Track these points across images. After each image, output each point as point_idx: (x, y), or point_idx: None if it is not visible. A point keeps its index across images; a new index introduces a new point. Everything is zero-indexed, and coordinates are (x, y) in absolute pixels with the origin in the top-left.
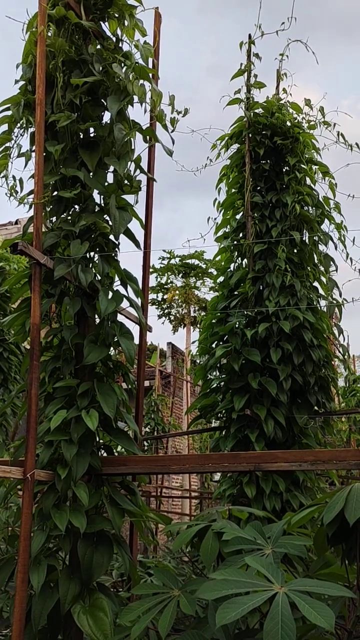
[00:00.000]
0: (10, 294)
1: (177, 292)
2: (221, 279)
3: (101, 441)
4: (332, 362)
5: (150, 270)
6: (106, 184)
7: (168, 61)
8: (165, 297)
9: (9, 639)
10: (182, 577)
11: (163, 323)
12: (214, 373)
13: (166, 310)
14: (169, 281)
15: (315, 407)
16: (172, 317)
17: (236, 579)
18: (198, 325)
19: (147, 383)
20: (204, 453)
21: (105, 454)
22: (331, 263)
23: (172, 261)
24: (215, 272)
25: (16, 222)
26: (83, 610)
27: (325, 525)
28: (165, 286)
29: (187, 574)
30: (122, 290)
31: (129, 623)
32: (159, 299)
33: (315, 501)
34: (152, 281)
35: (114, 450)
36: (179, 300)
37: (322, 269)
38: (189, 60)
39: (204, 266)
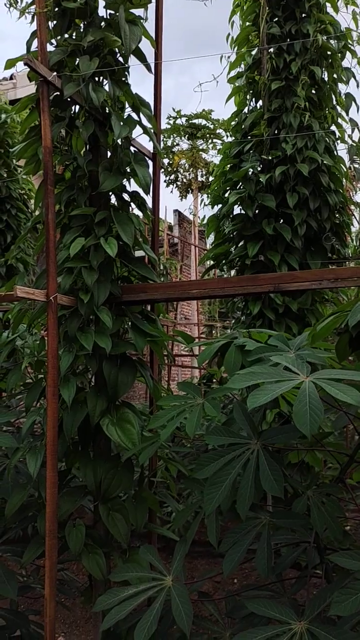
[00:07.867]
0: (12, 143)
1: (184, 155)
2: (234, 123)
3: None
4: (347, 209)
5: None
6: None
7: None
8: (171, 161)
9: None
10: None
11: (172, 191)
12: (227, 223)
13: (172, 176)
14: (175, 144)
15: (330, 254)
16: (179, 184)
17: (263, 372)
18: (206, 190)
19: None
20: (223, 277)
21: None
22: (352, 102)
23: (179, 121)
24: (223, 133)
25: (11, 78)
26: (111, 422)
27: (351, 328)
28: (172, 150)
29: None
30: (134, 117)
31: (158, 429)
32: (165, 163)
33: (340, 308)
34: None
35: None
36: (186, 165)
37: (340, 111)
38: None
39: (211, 126)
